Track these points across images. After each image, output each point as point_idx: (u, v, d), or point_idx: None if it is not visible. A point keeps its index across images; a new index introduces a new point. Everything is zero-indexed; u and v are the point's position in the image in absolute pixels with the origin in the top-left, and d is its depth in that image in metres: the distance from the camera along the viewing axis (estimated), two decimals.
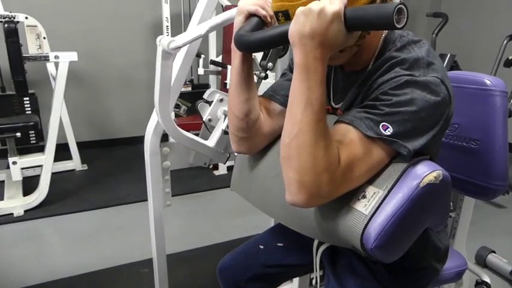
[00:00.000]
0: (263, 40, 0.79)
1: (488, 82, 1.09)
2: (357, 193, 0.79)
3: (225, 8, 3.50)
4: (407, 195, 0.73)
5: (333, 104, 0.96)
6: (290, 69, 1.07)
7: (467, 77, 1.16)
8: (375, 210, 0.75)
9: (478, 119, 1.12)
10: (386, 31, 0.87)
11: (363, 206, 0.76)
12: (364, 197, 0.77)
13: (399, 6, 0.65)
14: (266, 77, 0.96)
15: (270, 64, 0.92)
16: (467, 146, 1.15)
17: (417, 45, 0.84)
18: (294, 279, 1.68)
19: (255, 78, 0.97)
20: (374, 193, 0.76)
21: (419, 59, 0.79)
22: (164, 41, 1.03)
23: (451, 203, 1.39)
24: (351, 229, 0.77)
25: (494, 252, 2.11)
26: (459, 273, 1.16)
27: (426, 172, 0.75)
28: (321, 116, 0.73)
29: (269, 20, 0.88)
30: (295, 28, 0.71)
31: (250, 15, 0.87)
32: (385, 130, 0.75)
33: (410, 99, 0.75)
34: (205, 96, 1.37)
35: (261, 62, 0.93)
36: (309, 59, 0.71)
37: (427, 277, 1.02)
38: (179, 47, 1.03)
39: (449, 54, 2.71)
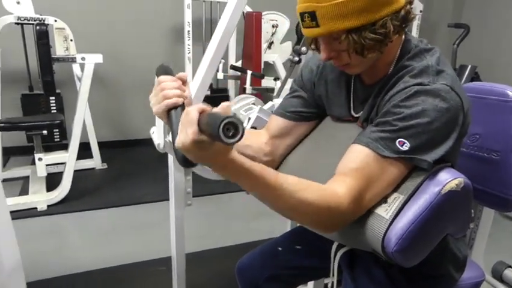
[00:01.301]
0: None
1: (510, 93, 1.10)
2: None
3: (246, 15, 3.55)
4: (429, 201, 0.75)
5: (353, 114, 0.99)
6: (299, 82, 1.10)
7: (488, 87, 1.16)
8: (395, 214, 0.77)
9: (499, 130, 1.12)
10: (403, 41, 0.88)
11: (384, 211, 0.78)
12: (385, 201, 0.79)
13: (229, 120, 0.57)
14: (300, 61, 0.98)
15: (303, 48, 0.93)
16: (488, 157, 1.15)
17: (430, 53, 0.85)
18: (309, 283, 1.70)
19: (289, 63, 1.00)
20: (394, 198, 0.79)
21: (428, 67, 0.81)
22: None
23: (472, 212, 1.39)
24: (372, 232, 0.79)
25: (511, 267, 2.09)
26: (476, 284, 1.16)
27: (448, 179, 0.76)
28: (279, 194, 0.74)
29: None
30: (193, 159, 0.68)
31: (170, 109, 0.79)
32: (402, 146, 0.77)
33: (421, 110, 0.76)
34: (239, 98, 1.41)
35: (294, 47, 0.95)
36: (226, 176, 0.70)
37: (444, 285, 1.02)
38: None
39: (470, 66, 2.70)
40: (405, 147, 0.77)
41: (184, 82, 0.84)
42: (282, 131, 1.06)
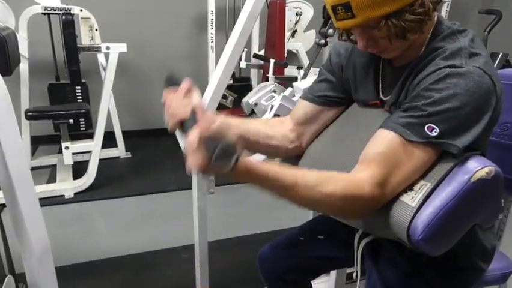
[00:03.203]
0: None
1: None
2: None
3: (270, 3, 3.52)
4: (457, 190, 0.73)
5: (382, 97, 0.96)
6: (327, 66, 1.08)
7: None
8: (422, 202, 0.75)
9: None
10: (436, 22, 0.85)
11: (410, 198, 0.76)
12: (411, 189, 0.77)
13: (221, 147, 0.62)
14: (326, 44, 0.97)
15: (330, 31, 0.92)
16: None
17: (462, 34, 0.82)
18: (331, 273, 1.69)
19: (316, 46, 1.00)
20: (421, 186, 0.77)
21: (461, 49, 0.78)
22: None
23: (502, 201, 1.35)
24: (397, 220, 0.78)
25: None
26: (504, 276, 1.13)
27: (478, 167, 0.74)
28: (296, 190, 0.76)
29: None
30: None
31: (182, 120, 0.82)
32: (431, 132, 0.75)
33: (452, 94, 0.74)
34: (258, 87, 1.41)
35: (320, 29, 0.93)
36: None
37: (472, 276, 1.00)
38: None
39: (501, 53, 2.60)
40: (435, 133, 0.75)
41: (188, 91, 0.84)
42: (308, 116, 1.05)
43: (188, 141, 0.65)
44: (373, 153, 0.79)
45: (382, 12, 0.77)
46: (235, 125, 0.98)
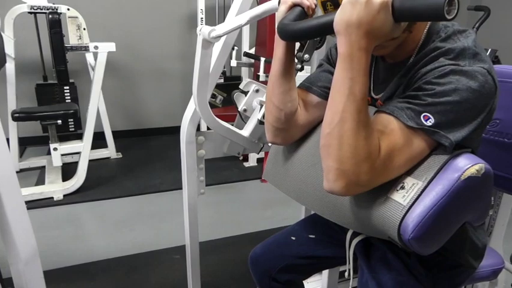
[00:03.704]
0: (308, 29, 0.78)
1: None
2: (395, 184, 0.78)
3: (260, 1, 3.50)
4: (447, 188, 0.72)
5: (373, 95, 0.96)
6: (327, 59, 1.07)
7: (510, 70, 1.12)
8: (413, 201, 0.74)
9: None
10: (430, 22, 0.85)
11: (402, 197, 0.76)
12: (403, 188, 0.77)
13: None
14: (302, 68, 0.96)
15: (306, 56, 0.92)
16: (509, 142, 1.11)
17: (463, 35, 0.82)
18: (324, 272, 1.69)
19: None
20: (412, 184, 0.76)
21: (465, 49, 0.78)
22: (204, 30, 1.05)
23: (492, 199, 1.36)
24: (388, 219, 0.77)
25: None
26: (495, 272, 1.13)
27: (468, 165, 0.73)
28: (363, 107, 0.73)
29: (311, 12, 0.88)
30: (342, 17, 0.71)
31: (294, 5, 0.87)
32: (426, 121, 0.74)
33: (454, 88, 0.73)
34: (241, 86, 1.39)
35: (297, 53, 0.93)
36: (354, 48, 0.71)
37: (463, 274, 1.00)
38: (219, 36, 1.05)
39: (490, 49, 2.61)
40: (429, 123, 0.74)
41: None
42: (305, 104, 1.01)
43: None
44: (376, 130, 0.76)
45: None
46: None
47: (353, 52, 0.71)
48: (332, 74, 0.99)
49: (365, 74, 0.73)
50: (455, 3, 0.64)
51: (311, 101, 1.01)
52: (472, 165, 0.73)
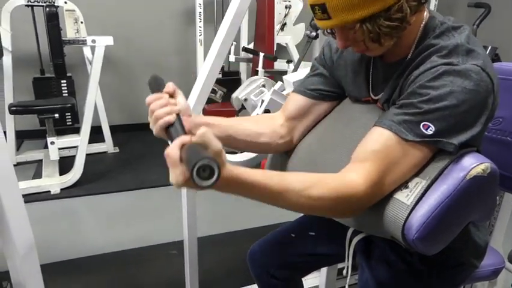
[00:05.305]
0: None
1: None
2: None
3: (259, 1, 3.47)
4: (453, 187, 0.72)
5: (372, 96, 0.94)
6: (320, 59, 1.06)
7: (511, 68, 1.11)
8: (417, 200, 0.73)
9: None
10: (427, 18, 0.83)
11: (405, 196, 0.75)
12: (406, 187, 0.76)
13: (202, 163, 0.55)
14: (317, 36, 0.95)
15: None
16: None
17: (458, 31, 0.80)
18: (322, 269, 1.68)
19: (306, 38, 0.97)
20: (416, 183, 0.75)
21: (458, 46, 0.76)
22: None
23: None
24: (392, 219, 0.76)
25: None
26: (495, 271, 1.13)
27: (474, 164, 0.72)
28: (282, 194, 0.72)
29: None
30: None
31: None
32: (426, 130, 0.73)
33: (449, 92, 0.72)
34: (240, 95, 1.38)
35: (311, 21, 0.91)
36: (223, 191, 0.67)
37: (464, 273, 1.00)
38: None
39: (490, 47, 2.61)
40: (430, 131, 0.73)
41: (172, 94, 0.82)
42: (301, 111, 1.03)
43: (167, 154, 0.60)
44: (368, 151, 0.77)
45: (357, 16, 0.75)
46: (222, 126, 0.95)
47: (232, 194, 0.69)
48: (324, 76, 1.03)
49: (251, 190, 0.69)
50: (212, 171, 0.56)
51: (306, 105, 1.03)
52: (477, 165, 0.72)
